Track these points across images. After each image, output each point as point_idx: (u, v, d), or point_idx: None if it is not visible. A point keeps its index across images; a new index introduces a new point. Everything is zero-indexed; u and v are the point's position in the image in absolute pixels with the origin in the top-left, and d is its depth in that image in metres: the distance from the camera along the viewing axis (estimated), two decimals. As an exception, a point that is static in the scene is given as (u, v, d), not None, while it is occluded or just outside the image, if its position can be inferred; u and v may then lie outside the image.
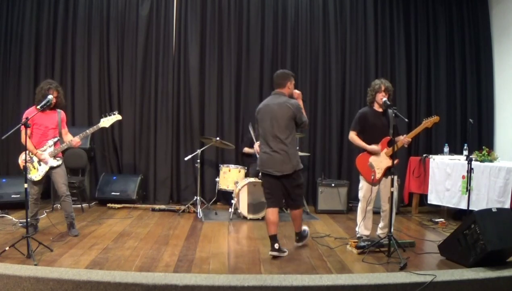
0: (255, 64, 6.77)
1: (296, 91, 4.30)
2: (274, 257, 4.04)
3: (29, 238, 3.78)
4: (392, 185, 4.10)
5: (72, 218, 4.64)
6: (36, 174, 4.48)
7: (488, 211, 3.87)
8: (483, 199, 5.11)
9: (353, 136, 4.50)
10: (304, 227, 4.52)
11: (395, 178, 4.21)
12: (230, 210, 5.73)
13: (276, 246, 4.06)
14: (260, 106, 4.27)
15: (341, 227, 5.36)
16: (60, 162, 4.57)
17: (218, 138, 5.99)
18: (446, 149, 6.26)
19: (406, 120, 4.35)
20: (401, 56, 6.90)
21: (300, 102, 4.25)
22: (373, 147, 4.37)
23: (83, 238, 4.55)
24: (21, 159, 4.45)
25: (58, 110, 4.63)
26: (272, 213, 4.14)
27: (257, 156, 6.33)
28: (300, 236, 4.44)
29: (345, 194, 6.20)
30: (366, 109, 4.52)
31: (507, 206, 4.80)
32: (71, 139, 4.52)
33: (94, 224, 5.19)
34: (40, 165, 4.49)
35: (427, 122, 4.44)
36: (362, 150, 4.49)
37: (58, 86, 4.61)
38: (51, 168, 4.52)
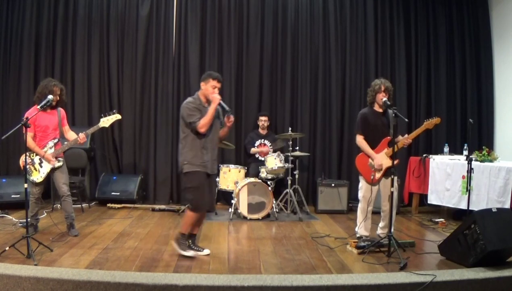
0: (255, 64, 6.77)
1: (213, 95, 3.94)
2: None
3: (29, 238, 3.78)
4: (392, 185, 4.10)
5: (72, 218, 4.64)
6: (38, 175, 4.48)
7: (488, 211, 3.88)
8: (483, 199, 5.11)
9: (361, 140, 4.44)
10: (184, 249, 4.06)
11: (395, 178, 4.21)
12: (230, 210, 5.73)
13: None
14: None
15: (341, 227, 5.36)
16: (61, 163, 4.57)
17: (218, 138, 5.98)
18: (446, 149, 6.26)
19: (406, 120, 4.35)
20: (401, 56, 6.90)
21: (211, 106, 3.91)
22: (377, 160, 4.34)
23: (83, 238, 4.55)
24: (22, 160, 4.45)
25: (58, 108, 4.62)
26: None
27: (256, 156, 6.39)
28: (176, 236, 4.11)
29: (345, 194, 6.19)
30: (366, 110, 4.51)
31: (507, 206, 4.80)
32: (78, 136, 4.46)
33: (94, 224, 5.18)
34: (41, 166, 4.49)
35: (428, 123, 4.43)
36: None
37: (60, 84, 4.61)
38: (53, 169, 4.52)
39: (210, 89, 3.98)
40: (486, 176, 5.12)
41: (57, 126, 4.58)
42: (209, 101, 3.98)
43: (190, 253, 4.03)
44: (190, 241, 4.10)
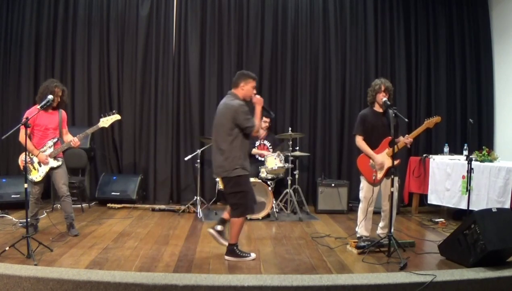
0: (255, 64, 6.76)
1: (257, 97, 3.97)
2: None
3: (29, 238, 3.78)
4: (392, 185, 4.10)
5: (72, 218, 4.64)
6: (37, 175, 4.48)
7: (488, 211, 3.87)
8: (483, 199, 5.11)
9: (360, 141, 4.43)
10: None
11: (396, 178, 4.21)
12: (230, 210, 5.72)
13: (218, 228, 4.03)
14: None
15: (341, 227, 5.36)
16: (60, 163, 4.57)
17: (218, 138, 5.97)
18: (446, 149, 6.26)
19: (406, 120, 4.35)
20: (401, 56, 6.90)
21: (258, 109, 3.93)
22: (378, 160, 4.33)
23: (83, 238, 4.55)
24: (21, 159, 4.45)
25: (60, 110, 4.63)
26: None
27: (256, 156, 6.38)
28: (230, 249, 3.94)
29: (345, 194, 6.19)
30: (366, 111, 4.51)
31: (507, 206, 4.80)
32: (71, 139, 4.52)
33: (94, 224, 5.18)
34: (40, 165, 4.49)
35: (429, 122, 4.43)
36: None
37: (62, 85, 4.61)
38: (52, 169, 4.52)
39: (251, 89, 3.92)
40: (486, 176, 5.12)
41: (57, 127, 4.58)
42: (246, 102, 3.92)
43: (252, 255, 3.96)
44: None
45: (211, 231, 4.04)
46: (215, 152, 3.91)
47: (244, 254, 3.95)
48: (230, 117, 3.76)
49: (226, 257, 3.93)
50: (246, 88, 3.90)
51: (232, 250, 3.93)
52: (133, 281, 3.20)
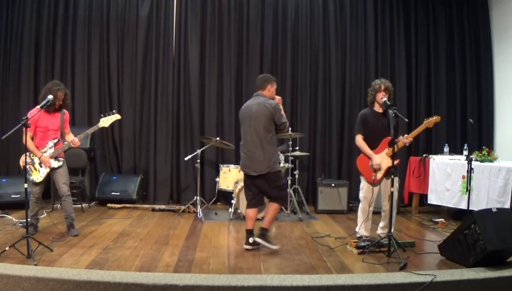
0: (255, 64, 6.77)
1: (277, 97, 4.40)
2: (248, 250, 4.23)
3: (29, 238, 3.78)
4: (392, 185, 4.10)
5: (72, 218, 4.64)
6: (38, 175, 4.48)
7: (488, 211, 3.87)
8: (483, 199, 5.11)
9: (360, 140, 4.44)
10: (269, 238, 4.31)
11: (396, 178, 4.21)
12: (230, 210, 5.73)
13: (251, 240, 4.23)
14: (242, 107, 4.38)
15: (341, 227, 5.36)
16: (61, 163, 4.57)
17: (218, 138, 5.99)
18: (446, 149, 6.26)
19: (406, 120, 4.35)
20: (401, 56, 6.90)
21: (281, 107, 4.32)
22: (375, 161, 4.33)
23: (83, 238, 4.55)
24: (22, 159, 4.45)
25: (63, 110, 4.62)
26: (252, 211, 4.34)
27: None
28: (262, 232, 4.27)
29: (345, 194, 6.19)
30: (366, 111, 4.51)
31: (507, 206, 4.80)
32: (71, 140, 4.52)
33: (94, 224, 5.19)
34: (41, 166, 4.49)
35: (428, 122, 4.43)
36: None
37: (65, 88, 4.61)
38: (53, 169, 4.52)
39: (274, 91, 4.36)
40: (486, 176, 5.12)
41: (59, 128, 4.58)
42: None
43: (277, 246, 4.22)
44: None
45: (258, 240, 4.24)
46: (254, 150, 4.16)
47: (272, 242, 4.24)
48: (270, 115, 4.13)
49: (257, 239, 4.20)
50: (272, 90, 4.32)
51: (264, 234, 4.25)
52: (133, 281, 3.20)
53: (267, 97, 4.26)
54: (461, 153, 6.08)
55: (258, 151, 4.13)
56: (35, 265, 3.54)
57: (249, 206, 4.38)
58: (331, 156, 6.84)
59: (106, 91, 6.71)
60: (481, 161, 5.29)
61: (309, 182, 6.83)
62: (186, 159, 6.11)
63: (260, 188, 4.27)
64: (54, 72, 6.55)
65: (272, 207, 4.27)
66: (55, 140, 4.55)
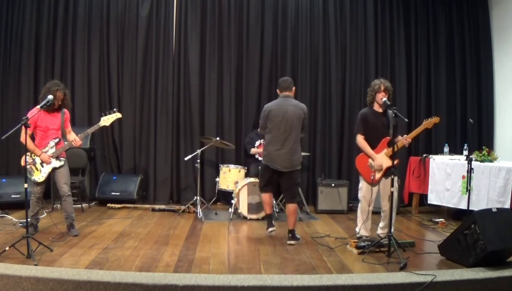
0: (255, 64, 6.76)
1: None
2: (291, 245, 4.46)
3: (29, 238, 3.78)
4: (392, 185, 4.10)
5: (72, 218, 4.64)
6: (39, 175, 4.48)
7: (488, 211, 3.88)
8: (483, 199, 5.11)
9: (361, 140, 4.44)
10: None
11: (395, 178, 4.21)
12: (230, 210, 5.73)
13: (288, 242, 4.50)
14: (272, 106, 4.58)
15: (341, 227, 5.36)
16: (62, 163, 4.57)
17: (218, 138, 5.98)
18: (446, 149, 6.26)
19: (406, 120, 4.35)
20: (401, 56, 6.90)
21: None
22: (377, 161, 4.33)
23: (83, 238, 4.55)
24: (23, 159, 4.44)
25: (63, 109, 4.62)
26: (269, 196, 4.72)
27: (256, 156, 6.37)
28: (293, 234, 4.55)
29: (345, 194, 6.19)
30: (366, 110, 4.51)
31: (507, 206, 4.81)
32: (72, 139, 4.52)
33: (94, 224, 5.18)
34: (42, 166, 4.49)
35: (427, 123, 4.43)
36: (362, 149, 4.49)
37: (65, 88, 4.60)
38: (54, 169, 4.52)
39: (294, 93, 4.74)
40: (486, 176, 5.12)
41: (59, 127, 4.58)
42: None
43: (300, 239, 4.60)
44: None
45: (293, 242, 4.51)
46: (290, 148, 4.47)
47: (300, 238, 4.62)
48: (302, 117, 4.52)
49: (291, 242, 4.49)
50: (294, 91, 4.72)
51: (295, 234, 4.54)
52: (133, 281, 3.20)
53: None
54: (461, 153, 6.08)
55: (293, 148, 4.48)
56: (35, 265, 3.54)
57: (263, 190, 4.72)
58: (331, 156, 6.84)
59: (106, 91, 6.71)
60: (481, 161, 5.29)
61: (309, 182, 6.83)
62: (186, 159, 6.11)
63: (283, 183, 4.60)
64: (54, 72, 6.55)
65: (292, 208, 4.56)
66: (56, 140, 4.55)
